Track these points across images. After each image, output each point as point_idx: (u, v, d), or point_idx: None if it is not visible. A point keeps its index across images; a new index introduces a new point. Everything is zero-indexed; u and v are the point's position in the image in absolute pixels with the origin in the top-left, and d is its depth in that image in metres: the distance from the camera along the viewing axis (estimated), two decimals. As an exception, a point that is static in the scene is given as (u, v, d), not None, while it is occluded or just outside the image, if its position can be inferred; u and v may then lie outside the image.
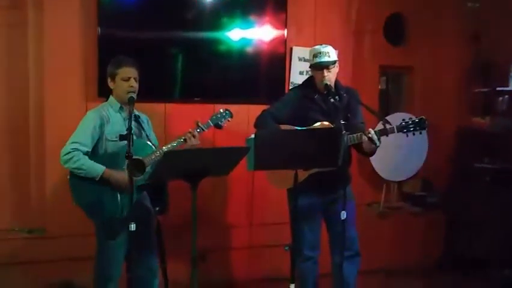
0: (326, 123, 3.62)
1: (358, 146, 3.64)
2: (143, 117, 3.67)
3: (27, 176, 4.34)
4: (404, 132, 3.53)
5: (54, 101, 4.27)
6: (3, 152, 4.31)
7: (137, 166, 3.32)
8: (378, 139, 3.47)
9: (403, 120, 3.54)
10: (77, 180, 3.33)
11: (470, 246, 5.32)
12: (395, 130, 3.51)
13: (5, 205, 4.34)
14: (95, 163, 3.32)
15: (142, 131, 3.56)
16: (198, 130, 3.57)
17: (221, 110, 3.73)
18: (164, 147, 3.46)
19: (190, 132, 3.53)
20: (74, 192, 3.37)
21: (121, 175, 3.32)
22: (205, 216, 4.33)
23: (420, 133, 3.55)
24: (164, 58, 4.58)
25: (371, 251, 4.40)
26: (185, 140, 3.52)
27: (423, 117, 3.53)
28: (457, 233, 5.51)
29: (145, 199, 3.59)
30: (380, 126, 3.54)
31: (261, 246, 4.90)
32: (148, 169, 3.39)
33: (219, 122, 3.69)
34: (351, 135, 3.52)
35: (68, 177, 3.39)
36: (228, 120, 3.74)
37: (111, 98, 3.54)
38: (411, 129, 3.52)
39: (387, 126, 3.50)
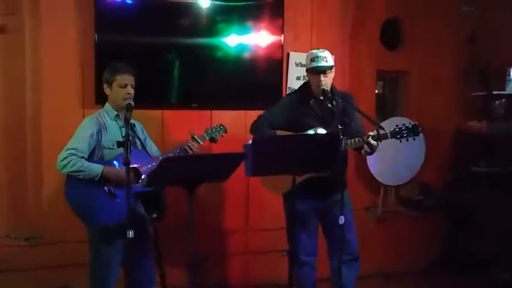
0: (320, 129, 3.62)
1: (358, 148, 3.65)
2: (138, 126, 3.69)
3: (24, 183, 4.34)
4: (398, 138, 3.53)
5: (51, 107, 4.28)
6: (-1, 159, 4.31)
7: (133, 174, 3.33)
8: (377, 145, 3.49)
9: (396, 126, 3.54)
10: (73, 184, 3.32)
11: (471, 248, 5.33)
12: (389, 136, 3.52)
13: (2, 212, 4.33)
14: (92, 163, 3.32)
15: (137, 140, 3.58)
16: (194, 143, 3.60)
17: (215, 125, 3.76)
18: (160, 157, 3.47)
19: (188, 145, 3.56)
20: (69, 196, 3.35)
21: (121, 171, 3.28)
22: (202, 222, 4.32)
23: (414, 139, 3.55)
24: (161, 64, 4.59)
25: (369, 255, 4.40)
26: (184, 150, 3.56)
27: (416, 123, 3.54)
28: (456, 235, 5.53)
29: (139, 206, 3.60)
30: (373, 131, 3.54)
31: (257, 252, 4.90)
32: (143, 177, 3.39)
33: (214, 136, 3.72)
34: (351, 140, 3.53)
35: (65, 181, 3.37)
36: (223, 135, 3.76)
37: (107, 105, 3.54)
38: (405, 135, 3.52)
39: (381, 132, 3.50)
